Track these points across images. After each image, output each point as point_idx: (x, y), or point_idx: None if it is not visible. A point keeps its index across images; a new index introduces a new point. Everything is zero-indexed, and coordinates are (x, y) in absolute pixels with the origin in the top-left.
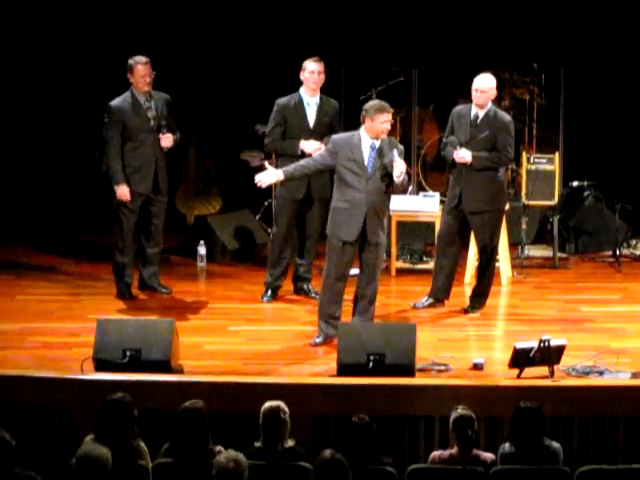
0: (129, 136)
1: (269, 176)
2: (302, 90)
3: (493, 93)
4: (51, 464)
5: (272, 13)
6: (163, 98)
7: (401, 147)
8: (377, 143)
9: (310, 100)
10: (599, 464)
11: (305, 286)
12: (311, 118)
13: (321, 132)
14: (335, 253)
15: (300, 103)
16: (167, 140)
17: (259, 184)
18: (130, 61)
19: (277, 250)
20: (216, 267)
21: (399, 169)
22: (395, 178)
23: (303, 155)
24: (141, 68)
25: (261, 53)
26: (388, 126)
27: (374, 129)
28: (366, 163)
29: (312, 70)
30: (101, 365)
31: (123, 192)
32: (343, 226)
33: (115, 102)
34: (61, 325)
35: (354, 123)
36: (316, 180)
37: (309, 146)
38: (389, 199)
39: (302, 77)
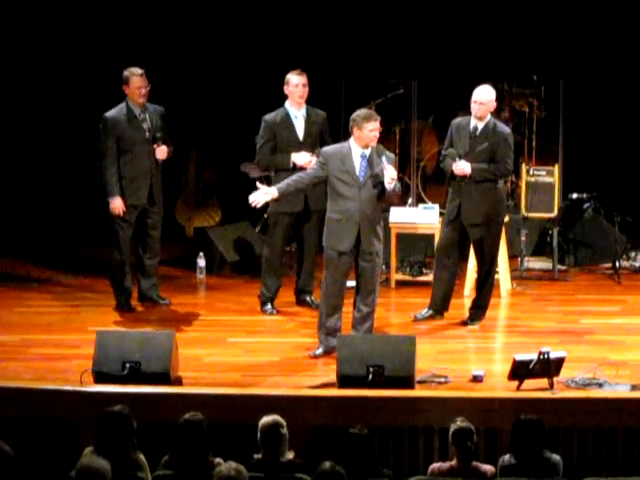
0: (124, 148)
1: (263, 195)
2: (287, 104)
3: (492, 105)
4: (51, 476)
5: (272, 25)
6: (158, 110)
7: (391, 155)
8: (367, 152)
9: (297, 113)
10: (599, 476)
11: (307, 298)
12: (299, 131)
13: (310, 144)
14: (332, 264)
15: (287, 117)
16: (162, 152)
17: (254, 204)
18: (125, 72)
19: (273, 266)
20: (215, 279)
21: (390, 175)
22: (387, 185)
23: (295, 168)
24: (136, 80)
25: (261, 65)
26: (377, 134)
27: (363, 138)
28: (357, 173)
29: (296, 83)
30: (100, 377)
31: (116, 205)
32: (338, 237)
33: (110, 113)
34: (61, 337)
35: None
36: (312, 192)
37: (300, 158)
38: (387, 208)
39: (286, 91)
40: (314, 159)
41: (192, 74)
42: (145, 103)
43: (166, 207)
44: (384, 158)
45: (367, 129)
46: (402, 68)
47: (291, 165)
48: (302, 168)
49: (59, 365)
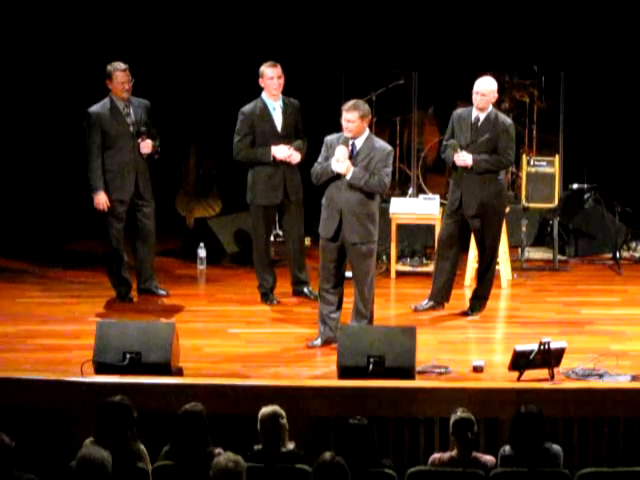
0: (108, 142)
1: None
2: (264, 95)
3: (494, 96)
4: (51, 467)
5: (273, 16)
6: (142, 104)
7: (388, 148)
8: (357, 143)
9: (275, 104)
10: (599, 466)
11: (305, 289)
12: (278, 122)
13: (288, 135)
14: (321, 249)
15: (265, 109)
16: (146, 146)
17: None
18: (108, 67)
19: (263, 260)
20: (216, 269)
21: (333, 163)
22: (333, 167)
23: (275, 161)
24: (119, 75)
25: (262, 56)
26: (348, 125)
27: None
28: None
29: (271, 76)
30: (101, 368)
31: (100, 200)
32: (323, 223)
33: (93, 108)
34: (61, 328)
35: None
36: (290, 182)
37: (280, 152)
38: (386, 199)
39: (262, 84)
40: (292, 151)
41: (192, 64)
42: (129, 97)
43: (166, 198)
44: (339, 147)
45: (343, 118)
46: (403, 59)
47: (271, 159)
48: (282, 162)
49: (59, 356)
